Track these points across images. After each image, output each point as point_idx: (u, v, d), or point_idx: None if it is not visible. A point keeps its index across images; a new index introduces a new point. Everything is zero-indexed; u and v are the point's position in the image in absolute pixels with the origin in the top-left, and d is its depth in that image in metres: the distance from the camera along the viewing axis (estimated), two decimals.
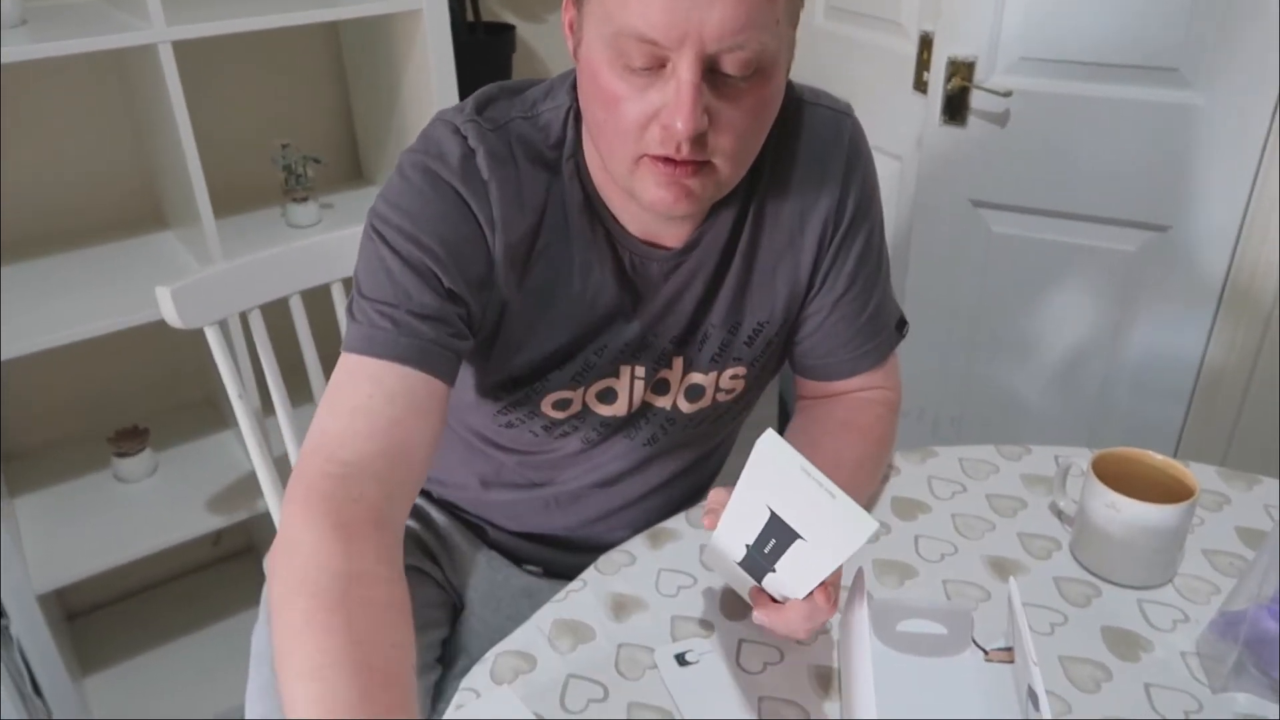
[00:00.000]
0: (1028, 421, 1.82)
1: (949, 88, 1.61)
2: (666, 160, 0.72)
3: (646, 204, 0.75)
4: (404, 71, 1.64)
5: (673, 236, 0.85)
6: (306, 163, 1.68)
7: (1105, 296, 1.65)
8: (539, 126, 0.81)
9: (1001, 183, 1.66)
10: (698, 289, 0.87)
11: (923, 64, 1.76)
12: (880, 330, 0.95)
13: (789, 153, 0.86)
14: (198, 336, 1.14)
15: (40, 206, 1.66)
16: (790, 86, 0.87)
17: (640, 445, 0.95)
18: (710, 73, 0.69)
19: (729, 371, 0.92)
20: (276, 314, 1.21)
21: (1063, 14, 1.50)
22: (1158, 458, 0.85)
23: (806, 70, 2.21)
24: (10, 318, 1.42)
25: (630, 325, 0.86)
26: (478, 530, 1.05)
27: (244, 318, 1.18)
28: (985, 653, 0.77)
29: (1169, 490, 0.83)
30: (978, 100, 1.61)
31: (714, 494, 0.76)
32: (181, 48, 1.36)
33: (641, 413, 0.92)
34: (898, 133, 1.91)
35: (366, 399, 0.73)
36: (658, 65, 0.68)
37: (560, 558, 1.04)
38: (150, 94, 1.48)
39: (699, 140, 0.70)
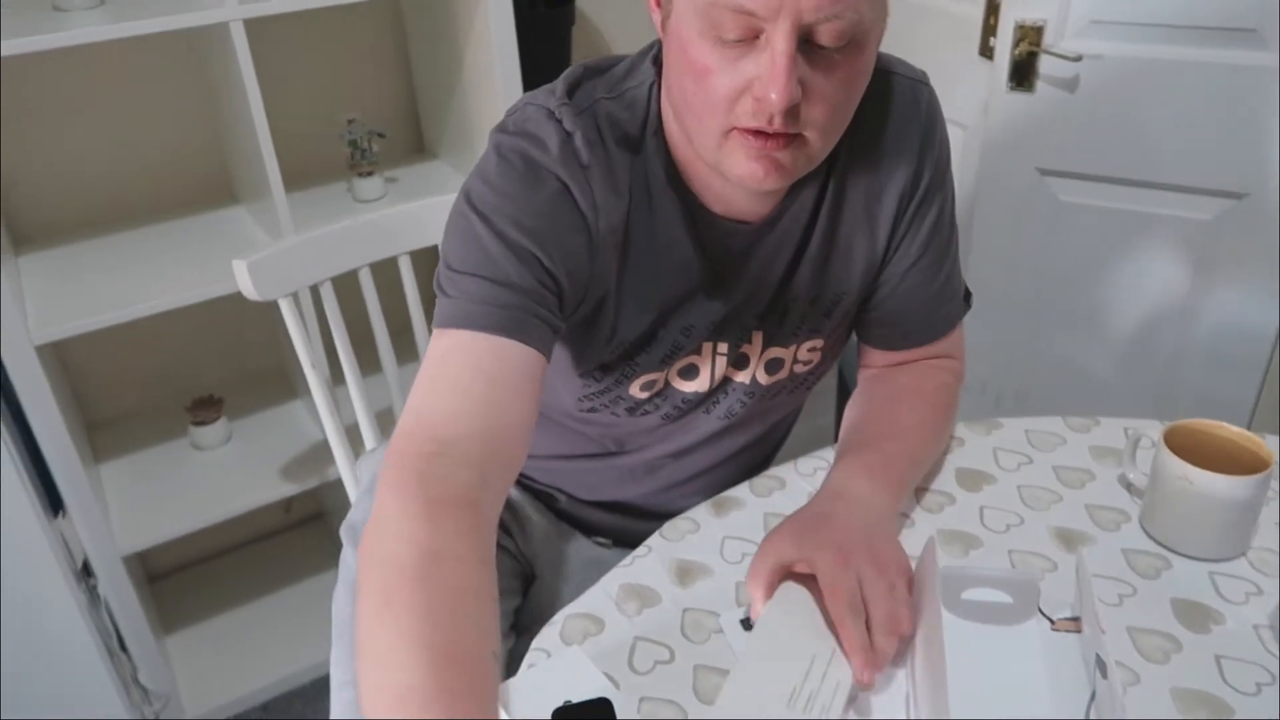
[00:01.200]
0: (1095, 396, 1.79)
1: (1016, 53, 1.58)
2: (758, 133, 0.71)
3: (735, 178, 0.74)
4: (466, 45, 1.66)
5: (755, 212, 0.84)
6: (372, 137, 1.70)
7: (1178, 266, 1.61)
8: (624, 105, 0.80)
9: (1071, 150, 1.62)
10: (781, 264, 0.87)
11: (989, 28, 1.72)
12: (948, 301, 0.94)
13: (868, 122, 0.84)
14: (269, 310, 1.18)
15: (119, 183, 1.72)
16: None
17: (717, 419, 0.95)
18: (804, 43, 0.68)
19: (807, 344, 0.92)
20: (345, 286, 1.24)
21: None
22: (1231, 429, 0.84)
23: None
24: (91, 292, 1.48)
25: (714, 303, 0.86)
26: (547, 499, 1.07)
27: (315, 290, 1.21)
28: (1051, 622, 0.77)
29: (1242, 463, 0.82)
30: (1046, 65, 1.57)
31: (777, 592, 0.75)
32: (251, 25, 1.39)
33: (721, 387, 0.93)
34: (963, 100, 1.88)
35: (466, 380, 0.72)
36: (751, 36, 0.67)
37: (629, 525, 1.05)
38: (222, 71, 1.51)
39: (791, 112, 0.69)
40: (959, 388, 0.97)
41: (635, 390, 0.89)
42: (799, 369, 0.94)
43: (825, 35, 0.67)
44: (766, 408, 0.97)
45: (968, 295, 0.97)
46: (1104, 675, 0.66)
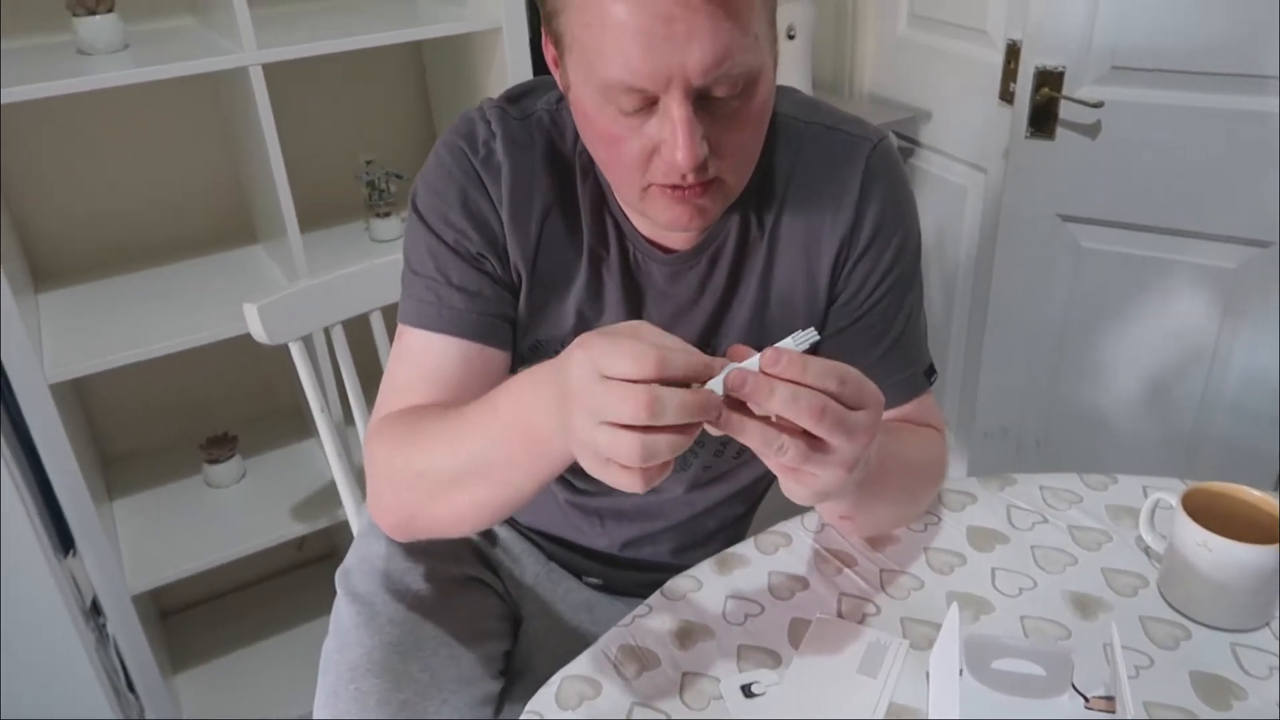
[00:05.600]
0: (1117, 446, 1.75)
1: (1037, 98, 1.57)
2: (674, 187, 0.73)
3: (662, 225, 0.78)
4: (484, 89, 1.67)
5: (677, 240, 0.86)
6: (389, 179, 1.71)
7: (1202, 316, 1.58)
8: (556, 123, 0.85)
9: (1092, 196, 1.60)
10: (707, 304, 0.88)
11: (1009, 74, 1.71)
12: (905, 365, 0.90)
13: (804, 177, 0.85)
14: (283, 349, 1.18)
15: (140, 222, 1.74)
16: (817, 109, 0.87)
17: (692, 471, 0.94)
18: (700, 99, 0.69)
19: None
20: (357, 327, 1.24)
21: (1156, 21, 1.44)
22: (1254, 494, 0.81)
23: (889, 79, 2.17)
24: (108, 330, 1.49)
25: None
26: (534, 543, 1.06)
27: (327, 332, 1.21)
28: (1085, 700, 0.74)
29: (1264, 529, 0.79)
30: (1067, 111, 1.56)
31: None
32: (271, 69, 1.40)
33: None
34: (982, 145, 1.87)
35: (428, 373, 0.83)
36: (649, 104, 0.70)
37: (613, 574, 1.04)
38: (241, 114, 1.53)
39: (702, 166, 0.71)
40: (942, 446, 0.94)
41: None
42: None
43: (719, 90, 0.69)
44: (740, 465, 0.95)
45: (931, 371, 0.94)
46: None
